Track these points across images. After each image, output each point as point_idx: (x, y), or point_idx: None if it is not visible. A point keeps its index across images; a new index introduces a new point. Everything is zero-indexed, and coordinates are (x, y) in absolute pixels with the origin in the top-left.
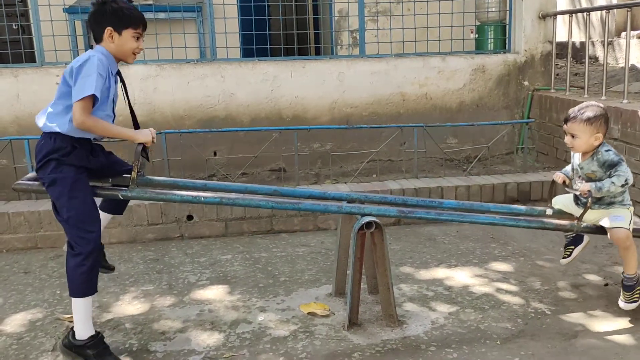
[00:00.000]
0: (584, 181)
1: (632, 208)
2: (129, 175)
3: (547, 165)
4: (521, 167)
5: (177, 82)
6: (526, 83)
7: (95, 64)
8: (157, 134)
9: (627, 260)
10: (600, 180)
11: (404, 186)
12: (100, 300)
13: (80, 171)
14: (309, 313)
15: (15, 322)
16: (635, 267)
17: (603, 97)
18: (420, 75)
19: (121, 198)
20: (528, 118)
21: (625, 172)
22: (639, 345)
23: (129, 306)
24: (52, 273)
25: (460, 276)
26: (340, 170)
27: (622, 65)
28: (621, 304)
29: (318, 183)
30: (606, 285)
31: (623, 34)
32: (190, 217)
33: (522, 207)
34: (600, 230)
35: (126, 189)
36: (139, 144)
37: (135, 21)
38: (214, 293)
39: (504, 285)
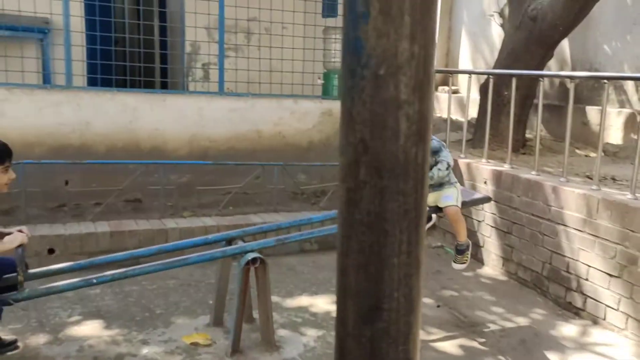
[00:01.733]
0: None
1: (458, 184)
2: (10, 275)
3: None
4: None
5: (28, 107)
6: None
7: None
8: (15, 163)
9: (458, 230)
10: (430, 168)
11: (265, 219)
12: None
13: None
14: (191, 343)
15: None
16: (465, 235)
17: None
18: (275, 115)
19: (13, 303)
20: None
21: (446, 157)
22: (467, 354)
23: None
24: None
25: (322, 303)
26: (197, 202)
27: (439, 115)
28: (454, 265)
29: (175, 215)
30: (438, 306)
31: (440, 88)
32: (51, 251)
33: None
34: (439, 210)
35: (16, 292)
36: (17, 247)
37: (1, 157)
38: (90, 328)
39: None
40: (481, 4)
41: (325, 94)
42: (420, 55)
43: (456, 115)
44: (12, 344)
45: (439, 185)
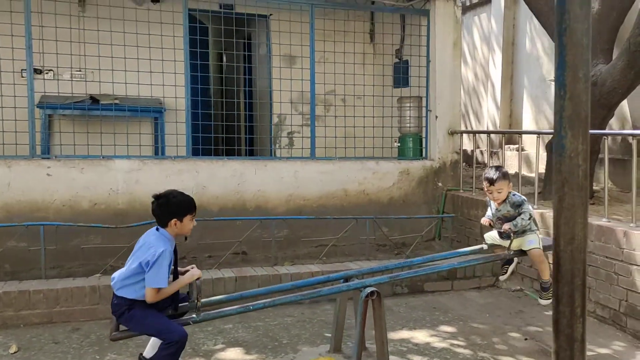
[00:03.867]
0: (501, 221)
1: (538, 232)
2: (183, 304)
3: None
4: (441, 252)
5: (158, 175)
6: (440, 184)
7: (166, 257)
8: (141, 224)
9: (542, 270)
10: (513, 217)
11: (361, 266)
12: None
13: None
14: None
15: None
16: (549, 274)
17: None
18: (359, 175)
19: (192, 324)
20: (443, 213)
21: (528, 209)
22: None
23: None
24: (81, 343)
25: (421, 336)
26: (294, 253)
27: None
28: (541, 301)
29: (277, 264)
30: (525, 339)
31: (505, 146)
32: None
33: (467, 249)
34: (523, 253)
35: (194, 316)
36: (195, 280)
37: (192, 208)
38: (234, 353)
39: (455, 341)
40: (540, 70)
41: (402, 154)
42: (585, 148)
43: (524, 171)
44: None
45: (522, 233)
